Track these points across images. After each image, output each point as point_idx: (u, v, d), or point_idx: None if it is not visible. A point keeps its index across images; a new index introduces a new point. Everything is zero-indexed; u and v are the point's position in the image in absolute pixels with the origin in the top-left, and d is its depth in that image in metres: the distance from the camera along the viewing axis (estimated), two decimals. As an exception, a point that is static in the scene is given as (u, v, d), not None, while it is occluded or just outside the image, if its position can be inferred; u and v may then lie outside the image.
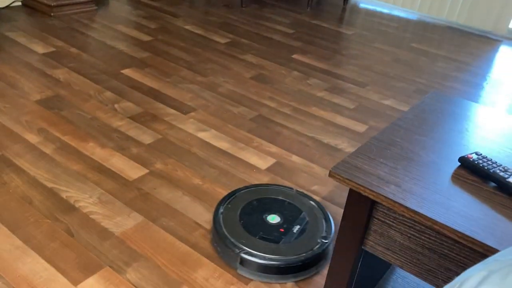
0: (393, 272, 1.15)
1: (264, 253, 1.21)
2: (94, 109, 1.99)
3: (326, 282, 0.87)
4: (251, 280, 1.24)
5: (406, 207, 0.67)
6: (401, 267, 0.76)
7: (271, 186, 1.52)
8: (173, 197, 1.54)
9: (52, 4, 2.89)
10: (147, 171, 1.65)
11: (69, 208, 1.43)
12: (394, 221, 0.74)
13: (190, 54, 2.69)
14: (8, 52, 2.37)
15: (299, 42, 3.18)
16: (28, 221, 1.36)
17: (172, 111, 2.07)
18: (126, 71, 2.36)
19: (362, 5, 4.36)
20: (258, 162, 1.80)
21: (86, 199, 1.47)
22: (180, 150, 1.80)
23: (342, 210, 1.59)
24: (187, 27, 3.13)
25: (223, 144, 1.88)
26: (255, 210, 1.38)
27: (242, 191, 1.47)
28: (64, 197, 1.47)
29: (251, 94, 2.33)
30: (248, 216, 1.35)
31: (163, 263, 1.28)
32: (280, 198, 1.45)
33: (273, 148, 1.90)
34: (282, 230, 1.30)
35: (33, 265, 1.22)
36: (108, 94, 2.13)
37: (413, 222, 0.71)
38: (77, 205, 1.44)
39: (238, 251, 1.21)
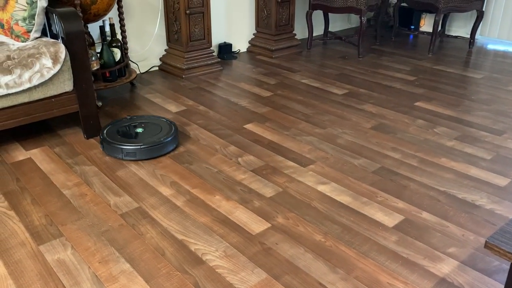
0: None
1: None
2: (220, 162, 2.09)
3: None
4: None
5: None
6: None
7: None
8: (295, 253, 1.51)
9: (184, 67, 3.19)
10: (269, 225, 1.65)
11: (197, 261, 1.48)
12: None
13: (307, 107, 2.73)
14: (147, 111, 2.64)
15: (421, 89, 3.02)
16: (161, 272, 1.43)
17: (292, 163, 2.08)
18: (248, 126, 2.47)
19: (490, 47, 4.04)
20: (384, 218, 1.69)
21: (213, 252, 1.51)
22: (300, 204, 1.78)
23: (486, 278, 1.39)
24: (304, 80, 3.20)
25: (344, 198, 1.82)
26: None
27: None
28: (193, 249, 1.53)
29: (372, 145, 2.25)
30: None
31: (288, 325, 1.23)
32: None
33: (400, 204, 1.78)
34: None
35: (165, 316, 1.26)
36: (232, 148, 2.22)
37: None
38: (204, 258, 1.49)
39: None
